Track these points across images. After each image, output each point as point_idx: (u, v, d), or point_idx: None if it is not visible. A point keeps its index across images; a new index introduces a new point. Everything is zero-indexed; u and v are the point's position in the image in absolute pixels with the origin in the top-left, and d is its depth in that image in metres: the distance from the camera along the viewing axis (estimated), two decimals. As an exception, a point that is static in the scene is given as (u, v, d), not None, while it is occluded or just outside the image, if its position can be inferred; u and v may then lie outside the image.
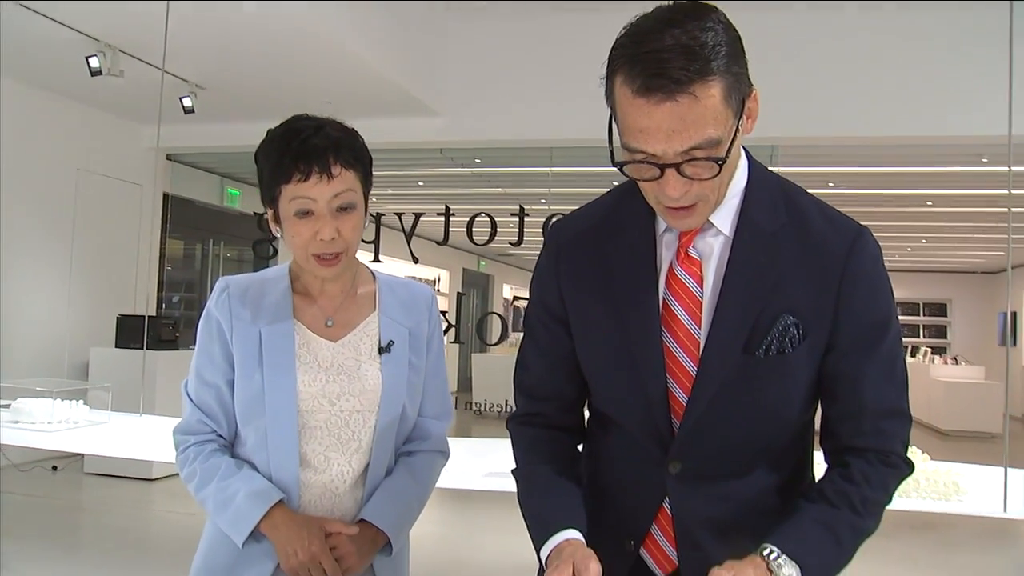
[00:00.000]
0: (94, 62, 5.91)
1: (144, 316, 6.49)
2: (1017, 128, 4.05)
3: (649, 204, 1.25)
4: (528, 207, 7.35)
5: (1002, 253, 14.49)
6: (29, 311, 7.11)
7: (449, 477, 3.71)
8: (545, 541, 1.26)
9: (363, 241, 1.75)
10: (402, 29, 6.41)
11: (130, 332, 6.87)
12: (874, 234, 1.29)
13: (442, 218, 7.25)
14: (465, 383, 11.70)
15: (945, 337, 17.93)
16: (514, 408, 1.48)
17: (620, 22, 1.16)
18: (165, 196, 8.61)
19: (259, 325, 1.61)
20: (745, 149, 1.28)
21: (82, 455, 7.08)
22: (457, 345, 11.49)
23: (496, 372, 7.51)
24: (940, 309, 18.12)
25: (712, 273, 1.26)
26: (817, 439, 1.38)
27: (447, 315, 7.51)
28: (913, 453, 3.39)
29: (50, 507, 5.95)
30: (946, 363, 14.35)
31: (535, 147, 7.73)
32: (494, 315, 10.94)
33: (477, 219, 7.14)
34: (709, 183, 1.16)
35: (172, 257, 9.34)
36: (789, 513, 1.24)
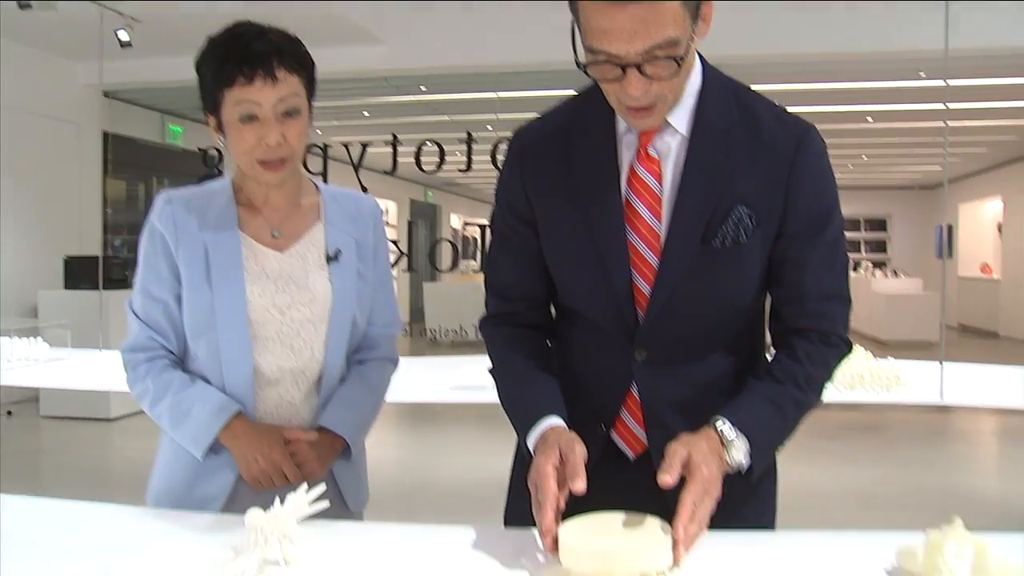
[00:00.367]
0: (23, -5, 5.73)
1: (98, 256, 6.42)
2: (953, 42, 4.15)
3: (609, 107, 1.31)
4: (476, 134, 7.35)
5: (940, 168, 14.84)
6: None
7: (415, 392, 3.83)
8: (530, 430, 1.34)
9: (310, 172, 1.76)
10: (341, -47, 6.28)
11: (80, 273, 6.79)
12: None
13: (389, 148, 7.21)
14: (418, 314, 11.75)
15: (885, 252, 18.40)
16: (485, 311, 1.55)
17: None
18: (104, 135, 8.42)
19: (204, 237, 1.59)
20: (699, 53, 1.35)
21: (37, 399, 7.05)
22: (409, 275, 11.55)
23: (448, 299, 7.58)
24: (880, 224, 18.56)
25: (671, 171, 1.34)
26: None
27: (398, 244, 7.53)
28: (859, 352, 3.59)
29: (7, 452, 5.88)
30: (886, 276, 14.77)
31: (481, 73, 7.69)
32: (445, 242, 10.96)
33: (424, 147, 7.13)
34: (668, 83, 1.23)
35: (115, 198, 9.14)
36: (741, 390, 1.35)
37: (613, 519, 1.23)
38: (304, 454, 1.58)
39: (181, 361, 1.67)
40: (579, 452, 1.24)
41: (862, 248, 18.38)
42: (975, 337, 14.21)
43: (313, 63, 1.60)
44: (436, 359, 4.61)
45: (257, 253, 1.63)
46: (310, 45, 1.59)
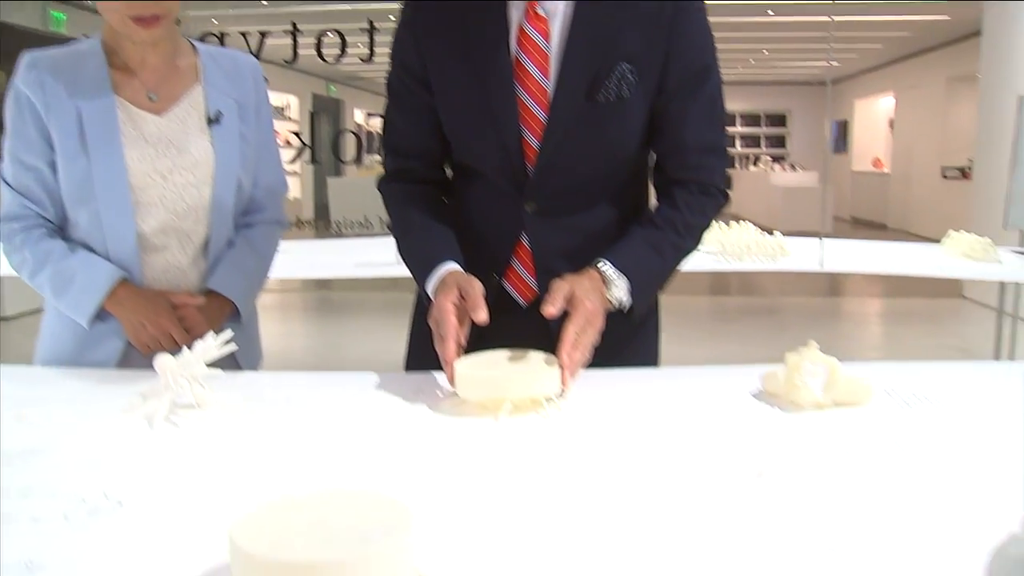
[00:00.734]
0: None
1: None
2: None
3: None
4: (378, 24, 7.19)
5: (838, 64, 15.14)
6: None
7: (320, 269, 3.86)
8: (429, 275, 1.41)
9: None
10: None
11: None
12: (716, 46, 1.44)
13: (289, 37, 7.01)
14: (322, 210, 11.61)
15: (784, 147, 18.83)
16: (383, 170, 1.59)
17: None
18: (-19, 21, 7.94)
19: (76, 101, 1.54)
20: None
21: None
22: (313, 169, 11.32)
23: (353, 193, 7.48)
24: (780, 120, 18.93)
25: (558, 30, 1.39)
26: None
27: (300, 136, 7.39)
28: (747, 226, 3.77)
29: None
30: (784, 170, 15.19)
31: (382, -41, 7.47)
32: (348, 132, 10.78)
33: (325, 38, 6.95)
34: None
35: (-5, 89, 8.67)
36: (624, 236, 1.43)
37: (505, 354, 1.31)
38: (193, 318, 1.59)
39: (61, 229, 1.63)
40: (478, 287, 1.31)
41: (762, 143, 18.77)
42: (866, 229, 14.80)
43: None
44: (340, 241, 4.63)
45: (134, 117, 1.58)
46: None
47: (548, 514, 0.91)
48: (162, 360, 1.27)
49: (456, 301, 1.31)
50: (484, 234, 1.49)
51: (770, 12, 10.68)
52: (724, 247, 3.67)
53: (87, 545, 0.84)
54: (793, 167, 15.77)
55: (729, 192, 1.50)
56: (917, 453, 1.07)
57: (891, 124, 15.40)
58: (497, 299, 1.47)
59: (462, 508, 0.93)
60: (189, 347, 1.31)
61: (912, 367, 1.48)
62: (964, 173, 11.09)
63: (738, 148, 18.28)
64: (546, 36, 1.39)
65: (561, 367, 1.23)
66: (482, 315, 1.27)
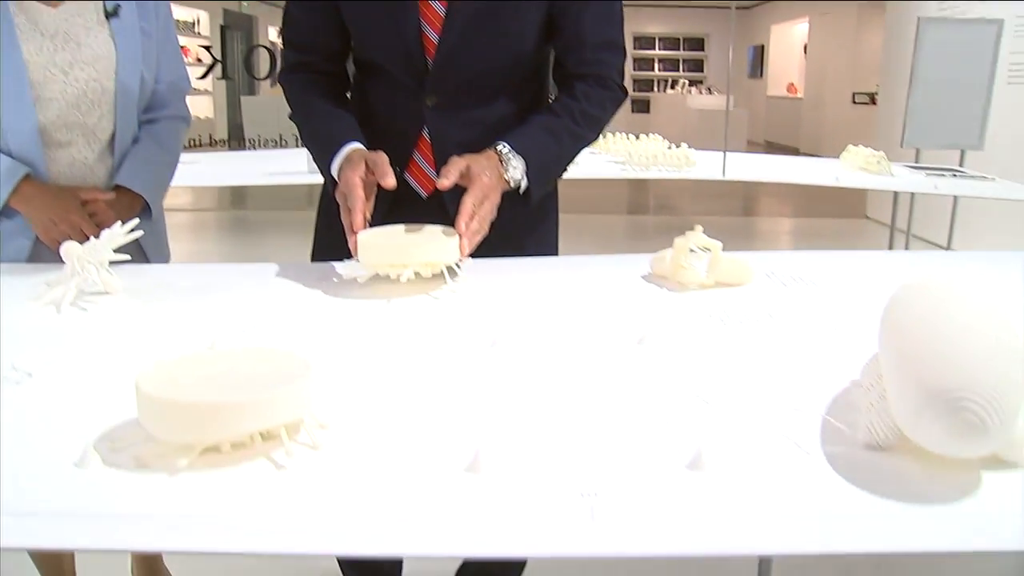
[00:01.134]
0: None
1: None
2: None
3: None
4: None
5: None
6: None
7: (233, 176, 3.83)
8: (333, 155, 1.43)
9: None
10: None
11: None
12: None
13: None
14: (236, 130, 11.35)
15: (703, 71, 18.95)
16: (282, 64, 1.60)
17: None
18: None
19: None
20: None
21: None
22: (225, 87, 11.03)
23: (267, 111, 7.35)
24: (698, 44, 19.01)
25: None
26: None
27: (211, 50, 7.19)
28: (655, 137, 3.87)
29: None
30: (701, 93, 15.34)
31: None
32: (261, 48, 10.51)
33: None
34: None
35: None
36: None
37: (407, 227, 1.37)
38: (103, 214, 1.59)
39: None
40: (384, 157, 1.35)
41: (680, 66, 18.86)
42: (779, 153, 15.12)
43: None
44: (253, 152, 4.58)
45: (28, 9, 1.55)
46: None
47: (437, 375, 0.98)
48: (68, 247, 1.29)
49: (363, 176, 1.34)
50: (386, 128, 1.52)
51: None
52: (631, 156, 3.76)
53: (-3, 404, 0.88)
54: (710, 90, 15.92)
55: (626, 87, 1.55)
56: (787, 323, 1.17)
57: (805, 50, 15.63)
58: (399, 192, 1.51)
59: (357, 367, 1.00)
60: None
61: (794, 255, 1.59)
62: (873, 99, 11.37)
63: (657, 71, 18.35)
64: None
65: (460, 236, 1.29)
66: (390, 180, 1.32)
